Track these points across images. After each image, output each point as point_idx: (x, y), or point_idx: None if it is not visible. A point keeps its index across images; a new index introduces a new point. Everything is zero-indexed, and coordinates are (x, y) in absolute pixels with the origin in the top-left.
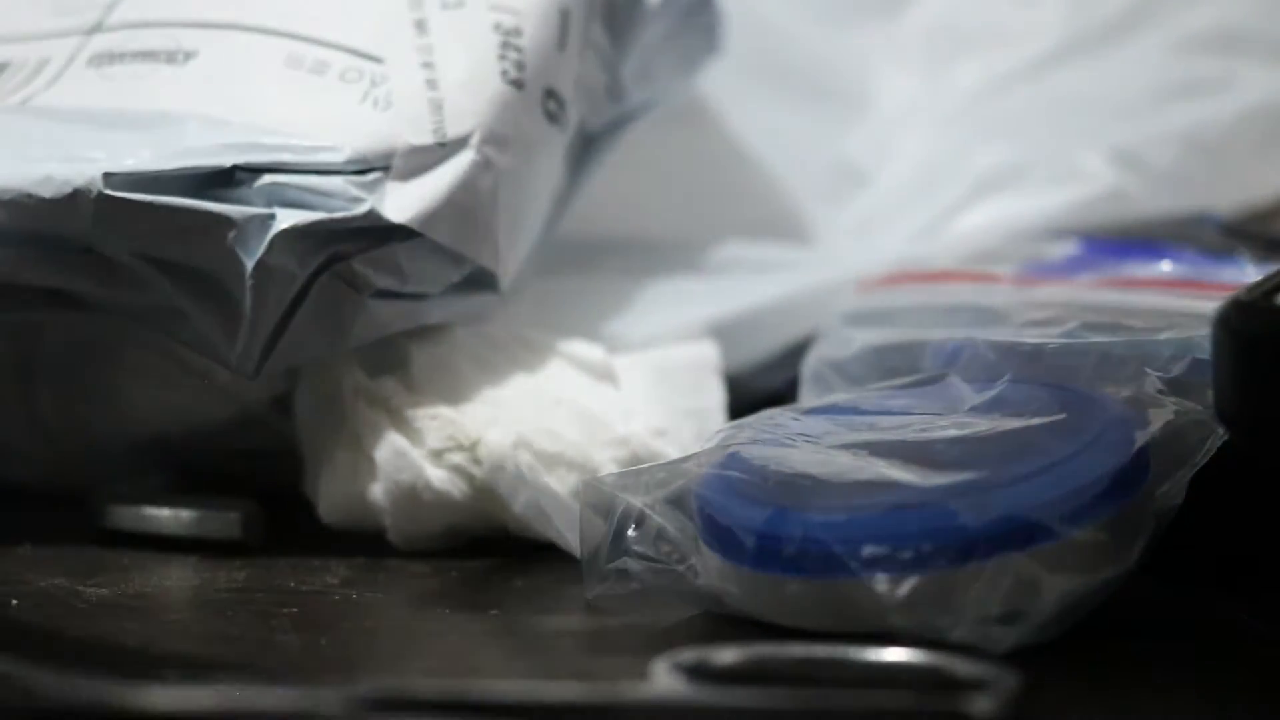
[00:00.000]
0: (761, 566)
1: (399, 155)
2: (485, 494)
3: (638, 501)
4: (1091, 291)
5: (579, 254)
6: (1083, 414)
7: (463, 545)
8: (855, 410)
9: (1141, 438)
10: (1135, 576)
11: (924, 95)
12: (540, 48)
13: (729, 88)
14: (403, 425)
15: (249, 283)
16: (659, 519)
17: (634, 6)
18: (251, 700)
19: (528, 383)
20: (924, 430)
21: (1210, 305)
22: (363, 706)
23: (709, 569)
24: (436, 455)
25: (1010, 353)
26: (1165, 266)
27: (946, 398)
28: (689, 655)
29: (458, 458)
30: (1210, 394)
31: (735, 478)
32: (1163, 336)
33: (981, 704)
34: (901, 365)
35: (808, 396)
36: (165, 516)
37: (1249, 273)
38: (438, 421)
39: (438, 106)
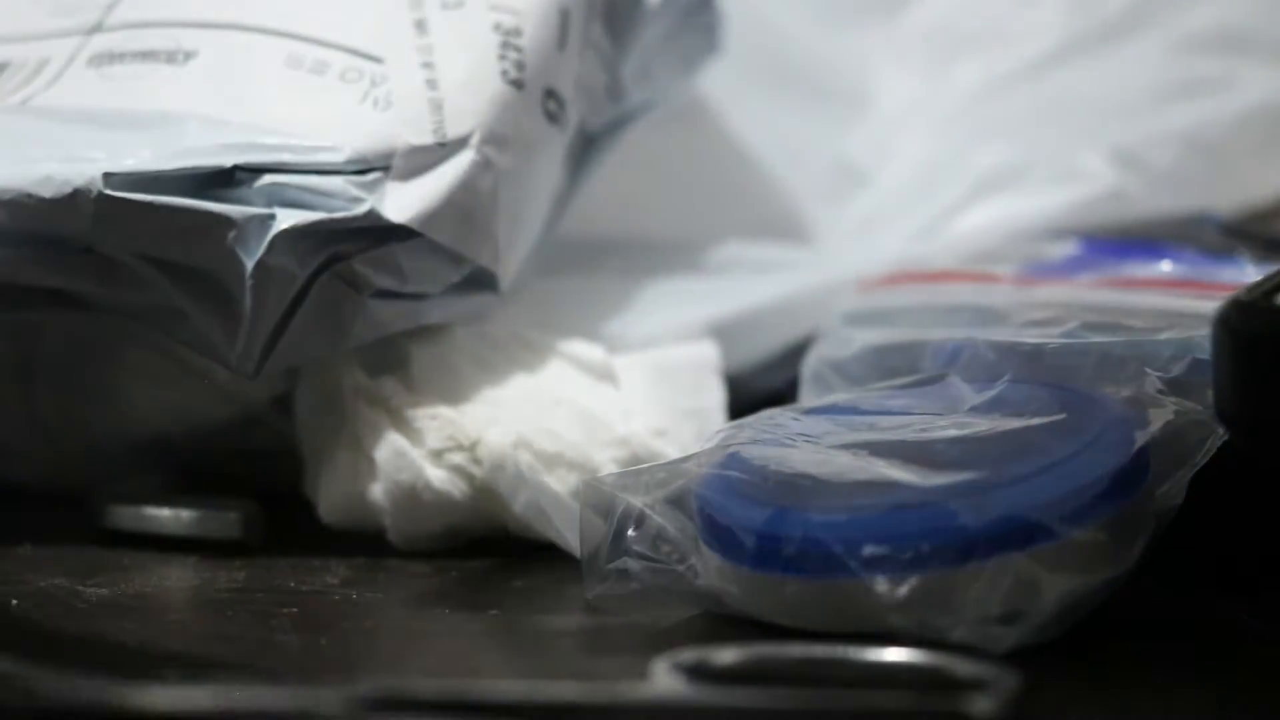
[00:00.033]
0: (761, 566)
1: (399, 155)
2: (485, 494)
3: (638, 501)
4: (1091, 291)
5: (579, 254)
6: (1083, 414)
7: (463, 545)
8: (855, 410)
9: (1141, 438)
10: (1135, 576)
11: (924, 95)
12: (540, 48)
13: (729, 88)
14: (403, 425)
15: (249, 283)
16: (659, 519)
17: (634, 6)
18: (251, 700)
19: (528, 383)
20: (924, 430)
21: (1210, 305)
22: (363, 706)
23: (709, 569)
24: (436, 455)
25: (1010, 353)
26: (1165, 266)
27: (946, 398)
28: (689, 655)
29: (458, 458)
30: (1210, 394)
31: (735, 478)
32: (1163, 336)
33: (981, 704)
34: (901, 365)
35: (808, 396)
36: (165, 516)
37: (1249, 273)
38: (438, 421)
39: (438, 106)
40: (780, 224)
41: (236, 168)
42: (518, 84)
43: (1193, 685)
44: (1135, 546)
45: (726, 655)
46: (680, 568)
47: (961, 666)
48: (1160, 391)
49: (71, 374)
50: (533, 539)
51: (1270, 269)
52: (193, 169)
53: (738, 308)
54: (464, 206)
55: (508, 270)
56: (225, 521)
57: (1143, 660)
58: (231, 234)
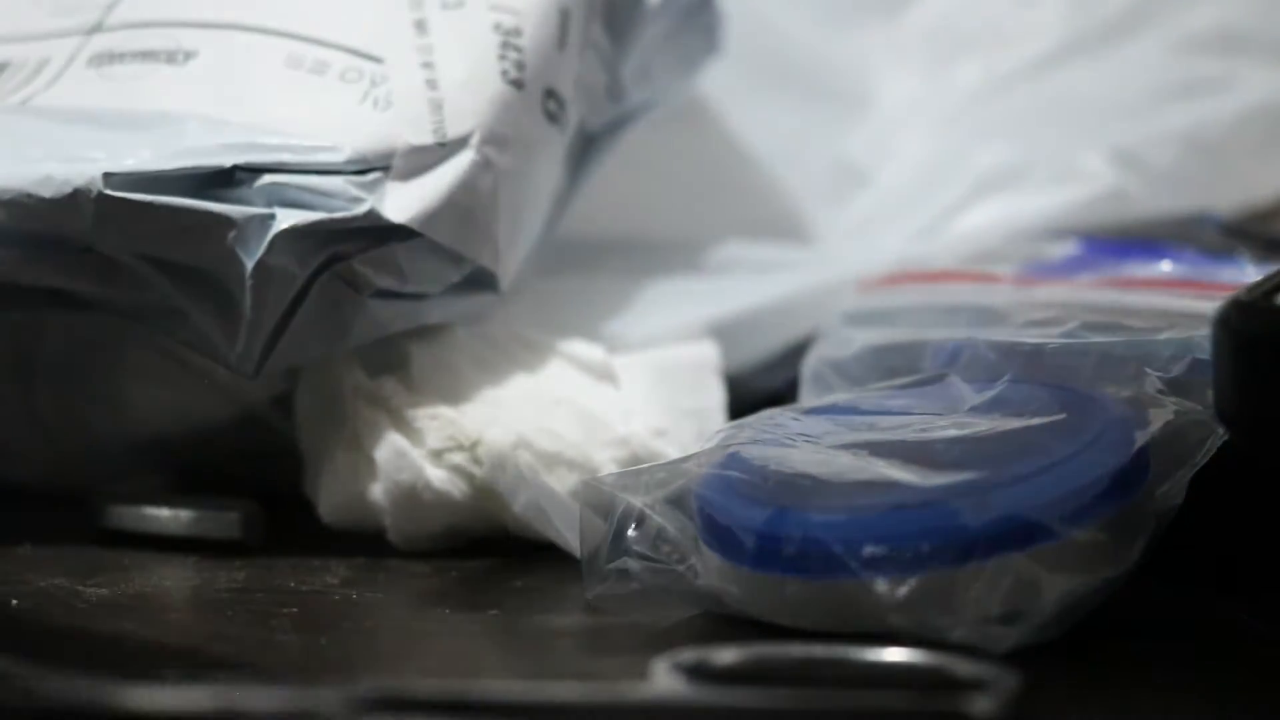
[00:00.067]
0: (761, 566)
1: (399, 155)
2: (485, 494)
3: (638, 501)
4: (1091, 291)
5: (579, 254)
6: (1083, 414)
7: (463, 545)
8: (855, 410)
9: (1141, 438)
10: (1135, 576)
11: (924, 95)
12: (540, 48)
13: (729, 88)
14: (403, 425)
15: (249, 283)
16: (659, 519)
17: (634, 6)
18: (251, 700)
19: (528, 383)
20: (924, 430)
21: (1210, 305)
22: (363, 706)
23: (709, 569)
24: (436, 455)
25: (1010, 353)
26: (1165, 266)
27: (946, 398)
28: (689, 655)
29: (458, 458)
30: (1210, 394)
31: (735, 478)
32: (1163, 336)
33: (981, 704)
34: (901, 365)
35: (808, 396)
36: (165, 516)
37: (1249, 273)
38: (438, 421)
39: (438, 106)
40: (780, 224)
41: (236, 168)
42: (518, 84)
43: (1193, 685)
44: (1135, 546)
45: (726, 655)
46: (680, 568)
47: (961, 666)
48: (1160, 391)
49: (71, 374)
50: (533, 539)
51: (1270, 269)
52: (193, 169)
53: (738, 308)
54: (464, 206)
55: (508, 270)
56: (225, 521)
57: (1143, 660)
58: (231, 234)
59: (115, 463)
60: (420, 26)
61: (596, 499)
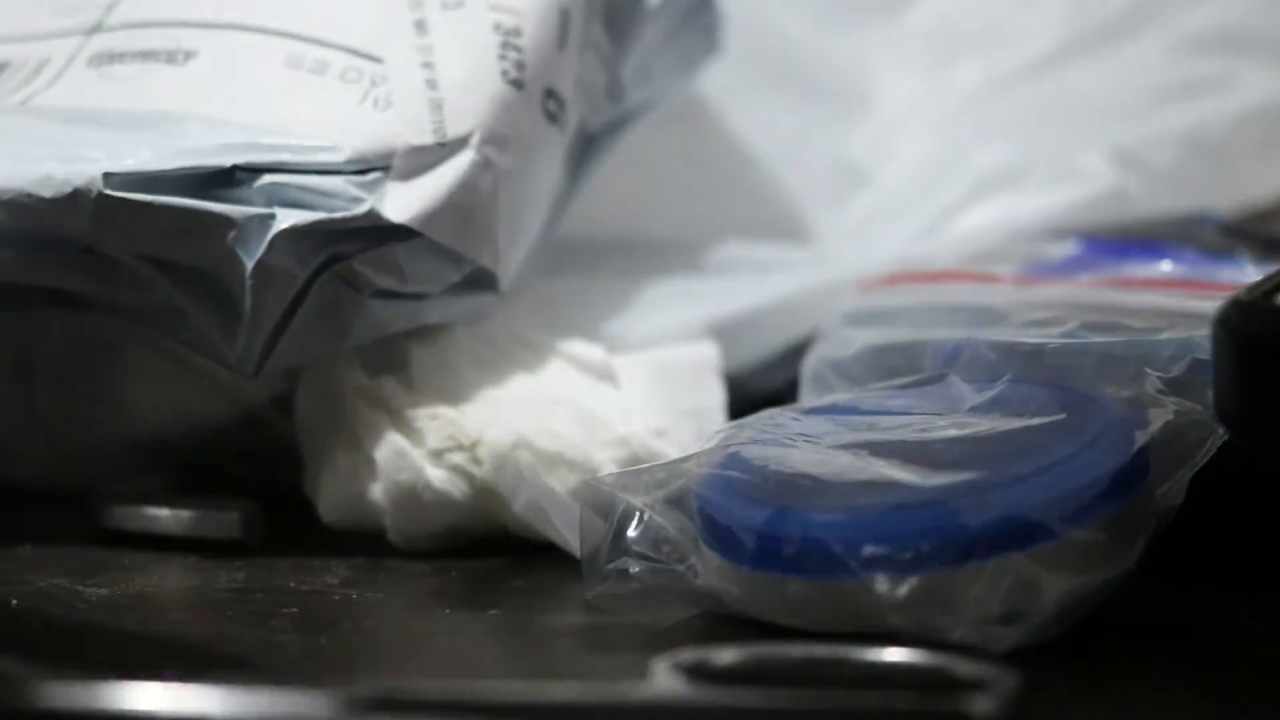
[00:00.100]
0: (761, 566)
1: (399, 155)
2: (485, 494)
3: (638, 501)
4: (1091, 291)
5: (579, 254)
6: (1083, 414)
7: (463, 545)
8: (855, 410)
9: (1141, 438)
10: (1135, 576)
11: (924, 95)
12: (540, 48)
13: (729, 88)
14: (403, 425)
15: (249, 283)
16: (659, 519)
17: (634, 6)
18: (251, 700)
19: (528, 383)
20: (924, 430)
21: (1210, 305)
22: (363, 706)
23: (709, 569)
24: (436, 455)
25: (1010, 353)
26: (1165, 266)
27: (946, 398)
28: (689, 655)
29: (458, 458)
30: (1210, 394)
31: (735, 478)
32: (1163, 336)
33: (981, 704)
34: (901, 365)
35: (808, 396)
36: (165, 516)
37: (1249, 273)
38: (438, 421)
39: (438, 106)
40: (780, 224)
41: (236, 168)
42: (518, 84)
43: (1193, 685)
44: (1135, 546)
45: (726, 655)
46: (680, 568)
47: (961, 666)
48: (1160, 391)
49: (71, 374)
50: (533, 539)
51: (1270, 269)
52: (193, 169)
53: (738, 308)
54: (464, 206)
55: (508, 270)
56: (225, 521)
57: (1143, 660)
58: (231, 234)
59: (115, 463)
60: (420, 26)
61: (596, 499)
